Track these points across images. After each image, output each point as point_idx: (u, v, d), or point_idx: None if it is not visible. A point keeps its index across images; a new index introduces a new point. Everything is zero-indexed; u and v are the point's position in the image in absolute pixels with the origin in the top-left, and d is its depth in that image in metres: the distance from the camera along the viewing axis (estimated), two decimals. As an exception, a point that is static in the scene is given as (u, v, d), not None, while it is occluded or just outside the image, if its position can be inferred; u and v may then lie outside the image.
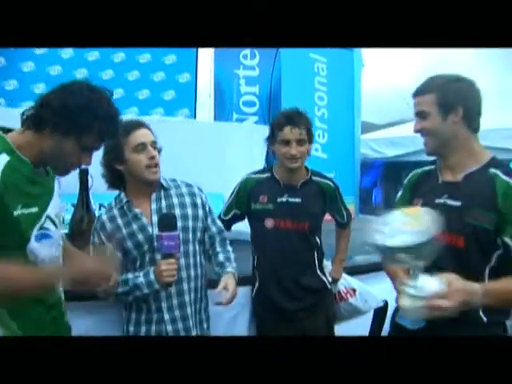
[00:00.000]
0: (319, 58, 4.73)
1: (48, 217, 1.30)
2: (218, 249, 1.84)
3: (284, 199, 2.04)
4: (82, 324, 1.69)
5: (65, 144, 1.24)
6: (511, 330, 1.58)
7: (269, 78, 4.73)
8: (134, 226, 1.67)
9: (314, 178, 2.12)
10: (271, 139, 2.05)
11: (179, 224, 1.66)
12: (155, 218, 1.67)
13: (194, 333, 1.71)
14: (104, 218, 1.70)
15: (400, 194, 1.68)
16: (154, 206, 1.70)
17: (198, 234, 1.77)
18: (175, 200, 1.73)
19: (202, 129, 3.39)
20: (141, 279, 1.61)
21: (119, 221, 1.68)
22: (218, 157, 3.05)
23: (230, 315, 2.14)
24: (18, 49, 3.23)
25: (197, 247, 1.77)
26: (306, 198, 2.07)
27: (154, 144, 1.67)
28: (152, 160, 1.64)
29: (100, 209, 2.36)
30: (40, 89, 3.55)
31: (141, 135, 1.65)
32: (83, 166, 1.34)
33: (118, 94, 3.97)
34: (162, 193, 1.73)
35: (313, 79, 4.72)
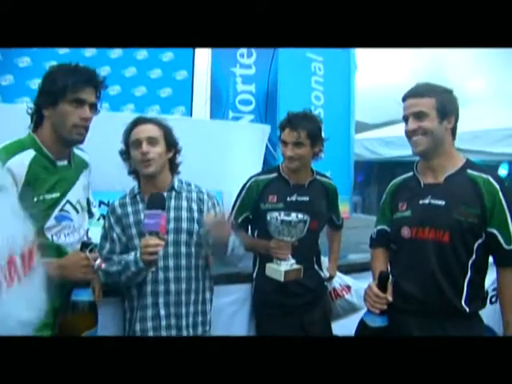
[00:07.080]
0: (316, 58, 4.73)
1: (68, 201, 1.53)
2: None
3: (293, 198, 2.08)
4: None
5: (59, 110, 1.47)
6: (486, 320, 1.73)
7: (265, 76, 4.72)
8: (142, 216, 1.69)
9: (318, 177, 2.18)
10: (279, 137, 2.10)
11: (177, 225, 1.73)
12: None
13: (185, 333, 1.72)
14: (116, 203, 1.80)
15: (382, 202, 1.85)
16: None
17: (195, 237, 1.78)
18: (184, 203, 1.78)
19: (200, 127, 3.40)
20: (130, 257, 1.65)
21: (129, 208, 1.76)
22: (216, 155, 3.06)
23: (231, 311, 2.16)
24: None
25: (192, 249, 1.77)
26: (314, 197, 2.12)
27: (150, 139, 1.69)
28: (144, 155, 1.67)
29: (100, 206, 2.38)
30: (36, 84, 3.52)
31: (136, 132, 1.72)
32: None
33: (114, 90, 3.96)
34: (173, 193, 1.78)
35: (309, 78, 4.74)
